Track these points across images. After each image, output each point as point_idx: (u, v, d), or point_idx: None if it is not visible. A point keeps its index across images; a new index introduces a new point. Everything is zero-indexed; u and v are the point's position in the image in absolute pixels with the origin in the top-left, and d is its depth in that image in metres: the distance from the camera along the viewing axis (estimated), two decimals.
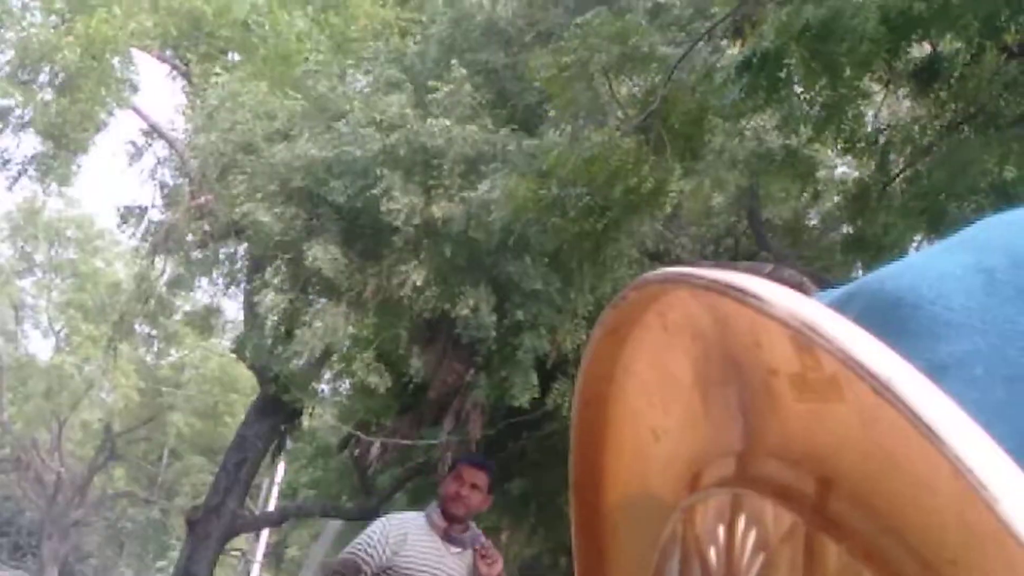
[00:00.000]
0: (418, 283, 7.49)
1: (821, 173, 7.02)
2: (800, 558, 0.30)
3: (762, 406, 0.32)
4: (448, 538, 3.12)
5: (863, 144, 5.20)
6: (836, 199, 7.69)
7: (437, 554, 3.10)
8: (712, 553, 0.34)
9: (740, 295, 0.28)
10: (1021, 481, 0.23)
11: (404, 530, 3.14)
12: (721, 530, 0.34)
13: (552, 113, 7.18)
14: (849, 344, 0.25)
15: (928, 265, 0.39)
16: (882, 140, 5.35)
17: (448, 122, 7.35)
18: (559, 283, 7.39)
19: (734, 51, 5.04)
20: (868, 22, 3.68)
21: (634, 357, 0.37)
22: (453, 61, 7.62)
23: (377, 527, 3.21)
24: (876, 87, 5.25)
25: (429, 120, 7.46)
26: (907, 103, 5.54)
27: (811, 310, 0.27)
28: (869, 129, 5.36)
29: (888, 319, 0.36)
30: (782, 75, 4.32)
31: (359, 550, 3.12)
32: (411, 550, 3.08)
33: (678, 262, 7.20)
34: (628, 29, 5.36)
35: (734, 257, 8.00)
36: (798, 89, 4.55)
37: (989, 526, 0.22)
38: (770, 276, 4.43)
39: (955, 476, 0.23)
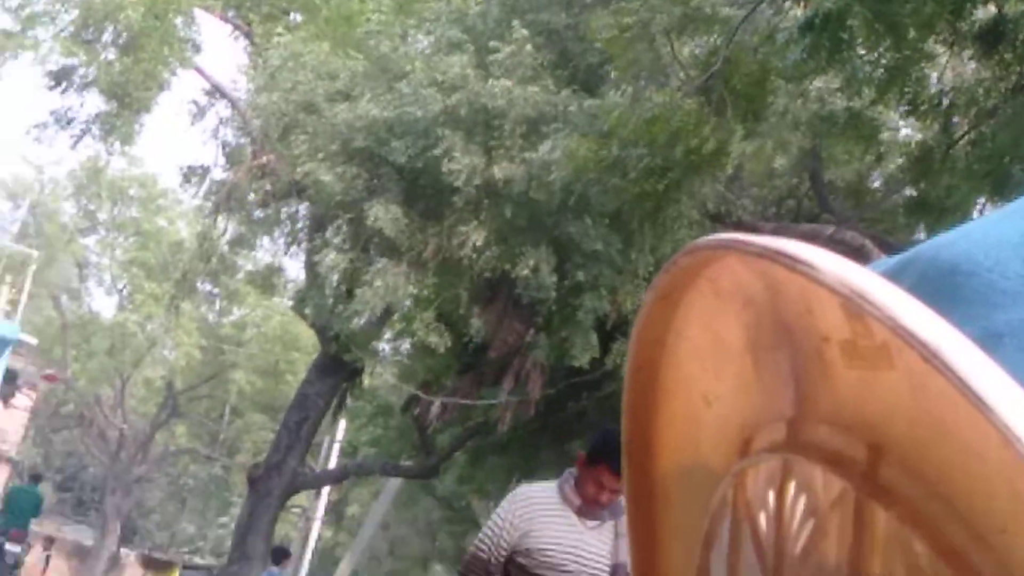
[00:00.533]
0: (478, 243, 7.78)
1: (884, 135, 7.02)
2: (850, 524, 0.31)
3: (813, 373, 0.33)
4: (583, 512, 2.99)
5: (927, 106, 5.30)
6: (899, 161, 7.69)
7: (573, 531, 2.97)
8: (762, 518, 0.36)
9: (790, 262, 0.29)
10: None
11: (531, 509, 3.02)
12: (771, 496, 0.35)
13: (613, 74, 7.34)
14: (898, 312, 0.26)
15: (985, 232, 0.40)
16: (946, 103, 5.43)
17: (509, 83, 7.59)
18: (619, 244, 7.59)
19: (797, 12, 5.17)
20: None
21: (686, 322, 0.38)
22: (515, 22, 7.82)
23: (501, 510, 3.10)
24: (940, 49, 5.30)
25: (490, 81, 7.70)
26: (971, 65, 5.58)
27: (861, 277, 0.27)
28: (933, 92, 5.45)
29: (943, 287, 0.37)
30: (844, 36, 4.46)
31: (483, 543, 3.03)
32: (543, 529, 2.97)
33: (739, 224, 7.36)
34: None
35: (796, 219, 8.10)
36: (861, 51, 4.68)
37: None
38: (831, 239, 4.69)
39: (1005, 445, 0.24)
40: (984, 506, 0.27)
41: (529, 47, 7.70)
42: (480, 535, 3.12)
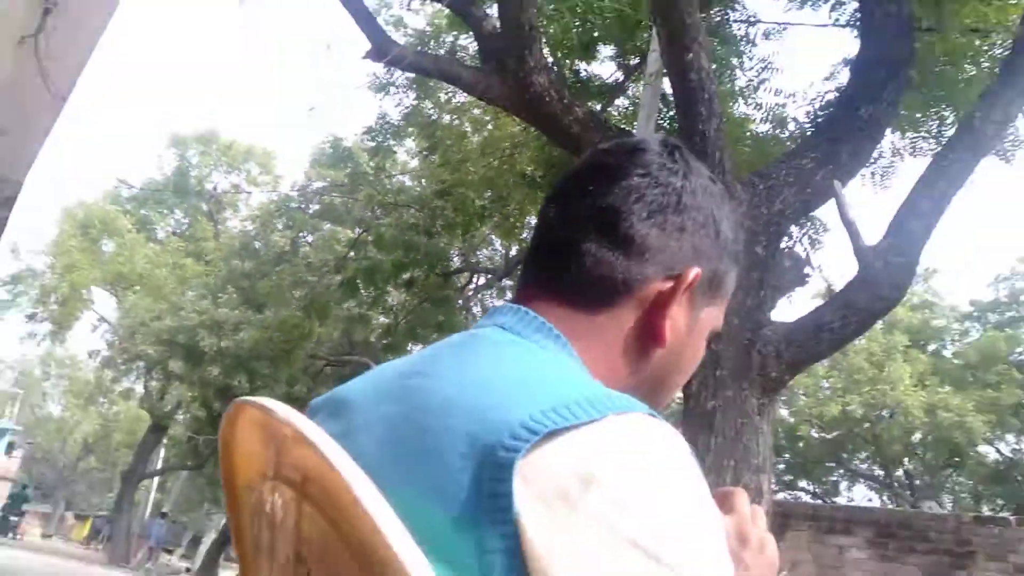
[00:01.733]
0: None
1: None
2: (294, 512, 0.68)
3: (281, 447, 0.69)
4: None
5: None
6: None
7: None
8: (267, 508, 0.72)
9: (266, 410, 0.69)
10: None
11: None
12: (270, 498, 0.72)
13: None
14: (301, 426, 0.65)
15: (355, 383, 0.82)
16: None
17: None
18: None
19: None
20: None
21: (239, 439, 0.76)
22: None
23: None
24: None
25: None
26: None
27: (289, 414, 0.66)
28: None
29: (331, 406, 0.81)
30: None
31: None
32: None
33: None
34: None
35: None
36: None
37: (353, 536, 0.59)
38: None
39: (348, 490, 0.59)
40: (341, 520, 0.62)
41: None
42: None
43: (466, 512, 0.62)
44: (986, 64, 6.74)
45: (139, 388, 27.91)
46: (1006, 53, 6.10)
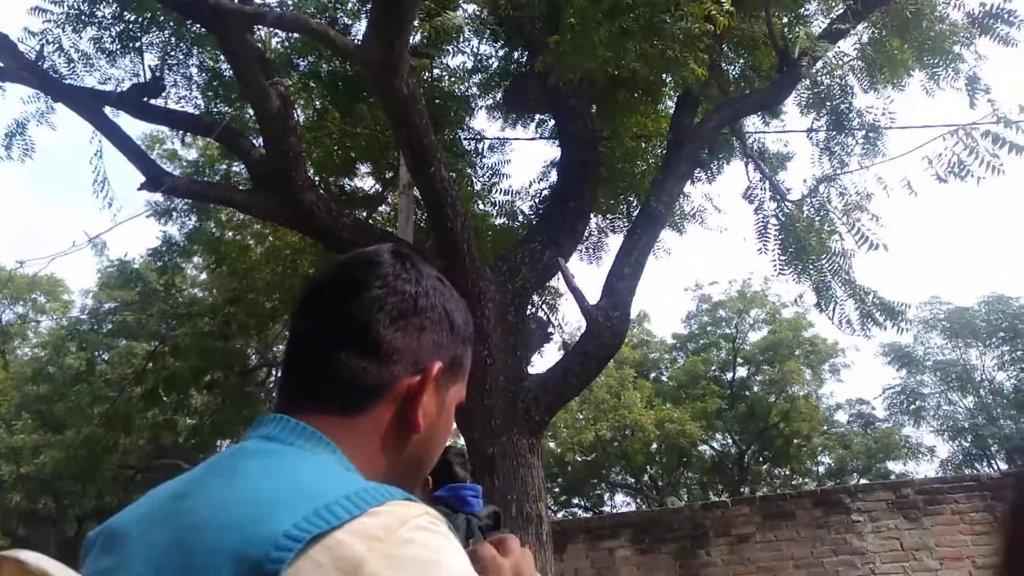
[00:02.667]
0: None
1: None
2: None
3: None
4: None
5: None
6: None
7: None
8: None
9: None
10: None
11: None
12: None
13: None
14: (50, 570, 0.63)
15: (126, 511, 0.74)
16: None
17: None
18: None
19: None
20: None
21: None
22: None
23: None
24: None
25: None
26: None
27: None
28: None
29: (104, 538, 0.73)
30: None
31: None
32: None
33: None
34: None
35: None
36: None
37: None
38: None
39: None
40: None
41: None
42: None
43: None
44: (652, 160, 7.62)
45: None
46: (663, 152, 6.97)
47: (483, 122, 26.95)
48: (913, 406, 21.23)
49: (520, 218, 8.44)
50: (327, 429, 0.76)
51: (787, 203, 6.88)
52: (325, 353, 0.80)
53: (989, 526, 6.81)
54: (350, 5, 7.78)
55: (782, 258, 6.73)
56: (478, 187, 8.48)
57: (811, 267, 6.65)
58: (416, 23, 5.73)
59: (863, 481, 18.61)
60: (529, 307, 6.64)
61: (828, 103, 7.02)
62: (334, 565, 0.59)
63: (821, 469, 20.73)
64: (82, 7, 6.56)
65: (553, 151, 9.16)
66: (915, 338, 21.52)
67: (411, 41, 5.41)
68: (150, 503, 0.74)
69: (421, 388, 0.81)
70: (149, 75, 6.65)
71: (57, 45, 6.53)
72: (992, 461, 19.75)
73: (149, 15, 6.71)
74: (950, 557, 6.84)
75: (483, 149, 8.57)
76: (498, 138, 9.29)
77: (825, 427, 21.40)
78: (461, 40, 7.95)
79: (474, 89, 8.58)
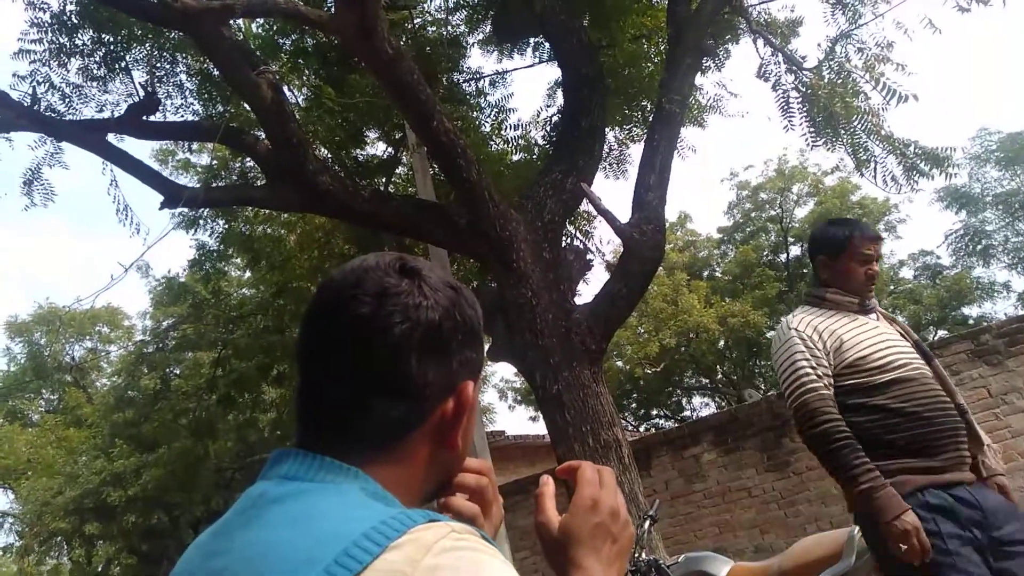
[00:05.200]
0: None
1: None
2: None
3: None
4: (863, 307, 2.54)
5: None
6: None
7: (875, 330, 2.46)
8: None
9: None
10: None
11: (825, 322, 2.47)
12: None
13: None
14: None
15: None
16: None
17: None
18: None
19: None
20: None
21: None
22: None
23: (793, 338, 2.46)
24: None
25: None
26: None
27: None
28: None
29: None
30: None
31: (806, 372, 2.38)
32: (853, 337, 2.42)
33: None
34: None
35: None
36: None
37: None
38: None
39: None
40: None
41: None
42: (792, 369, 2.41)
43: None
44: (657, 59, 7.33)
45: (65, 560, 24.90)
46: (666, 48, 6.68)
47: (479, 59, 26.79)
48: (980, 246, 20.56)
49: (536, 150, 8.29)
50: (355, 461, 0.73)
51: (804, 72, 6.55)
52: (350, 399, 0.74)
53: None
54: None
55: (811, 130, 6.45)
56: (487, 128, 8.33)
57: (843, 132, 6.37)
58: None
59: (940, 334, 18.26)
60: (564, 239, 6.57)
61: None
62: None
63: None
64: (62, 40, 6.55)
65: (555, 72, 8.91)
66: (969, 175, 20.69)
67: None
68: (187, 566, 0.72)
69: (458, 413, 0.78)
70: (142, 93, 6.64)
71: (48, 83, 6.56)
72: None
73: (126, 31, 6.66)
74: None
75: (484, 87, 8.38)
76: (497, 72, 9.05)
77: (892, 287, 20.94)
78: None
79: (462, 27, 8.34)
